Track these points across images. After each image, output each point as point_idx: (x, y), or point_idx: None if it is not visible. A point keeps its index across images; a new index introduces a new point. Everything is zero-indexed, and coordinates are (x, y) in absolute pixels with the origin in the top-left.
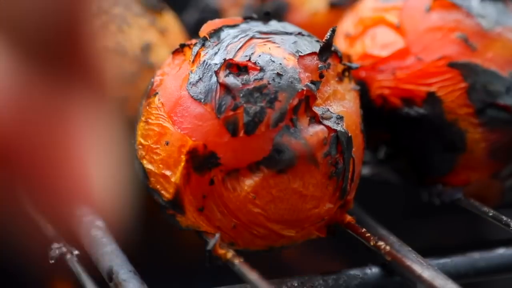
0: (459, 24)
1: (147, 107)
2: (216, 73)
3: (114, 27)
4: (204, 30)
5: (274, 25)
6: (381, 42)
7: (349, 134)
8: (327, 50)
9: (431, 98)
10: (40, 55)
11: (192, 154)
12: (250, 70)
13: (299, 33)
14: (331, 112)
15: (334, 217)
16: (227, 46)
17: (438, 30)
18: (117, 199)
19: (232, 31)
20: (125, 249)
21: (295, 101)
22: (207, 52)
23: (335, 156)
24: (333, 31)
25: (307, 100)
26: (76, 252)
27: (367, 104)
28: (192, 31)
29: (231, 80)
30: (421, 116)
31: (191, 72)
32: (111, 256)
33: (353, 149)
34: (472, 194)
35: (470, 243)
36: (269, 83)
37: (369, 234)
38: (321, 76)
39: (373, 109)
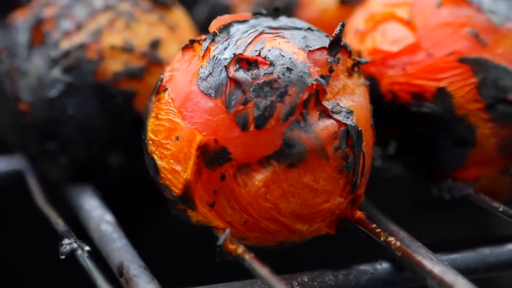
0: (470, 19)
1: (157, 103)
2: (226, 67)
3: (122, 24)
4: (214, 25)
5: (283, 20)
6: (392, 38)
7: (359, 128)
8: (336, 45)
9: (441, 93)
10: None
11: (203, 149)
12: (260, 65)
13: (309, 28)
14: (341, 107)
15: (344, 212)
16: (237, 41)
17: (448, 25)
18: None
19: (242, 26)
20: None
21: (305, 95)
22: (217, 47)
23: (346, 150)
24: (343, 25)
25: (317, 95)
26: (87, 248)
27: (377, 99)
28: (203, 27)
29: (241, 74)
30: (431, 111)
31: (201, 67)
32: (121, 252)
33: (363, 143)
34: (482, 189)
35: (480, 239)
36: (279, 78)
37: (379, 230)
38: (331, 70)
39: (383, 104)
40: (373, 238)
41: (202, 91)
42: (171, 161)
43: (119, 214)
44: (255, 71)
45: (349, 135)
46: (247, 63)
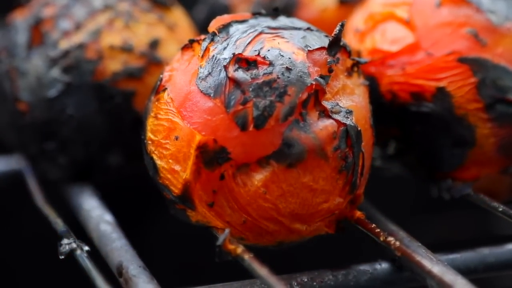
0: (469, 19)
1: (156, 103)
2: (225, 67)
3: (121, 24)
4: (213, 25)
5: (282, 20)
6: (391, 37)
7: (359, 128)
8: (336, 45)
9: (441, 93)
10: None
11: (202, 149)
12: (259, 65)
13: (308, 28)
14: (340, 107)
15: (344, 213)
16: (236, 41)
17: (448, 25)
18: None
19: (241, 26)
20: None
21: (305, 95)
22: (216, 47)
23: (345, 150)
24: (342, 25)
25: (316, 94)
26: (86, 248)
27: (377, 99)
28: (202, 27)
29: (241, 74)
30: (430, 111)
31: (200, 67)
32: (121, 252)
33: (363, 143)
34: (482, 189)
35: (480, 239)
36: (278, 78)
37: (378, 230)
38: (330, 70)
39: (383, 104)
40: (373, 238)
41: (201, 91)
42: (170, 161)
43: (118, 214)
44: (254, 71)
45: (349, 135)
46: (246, 63)
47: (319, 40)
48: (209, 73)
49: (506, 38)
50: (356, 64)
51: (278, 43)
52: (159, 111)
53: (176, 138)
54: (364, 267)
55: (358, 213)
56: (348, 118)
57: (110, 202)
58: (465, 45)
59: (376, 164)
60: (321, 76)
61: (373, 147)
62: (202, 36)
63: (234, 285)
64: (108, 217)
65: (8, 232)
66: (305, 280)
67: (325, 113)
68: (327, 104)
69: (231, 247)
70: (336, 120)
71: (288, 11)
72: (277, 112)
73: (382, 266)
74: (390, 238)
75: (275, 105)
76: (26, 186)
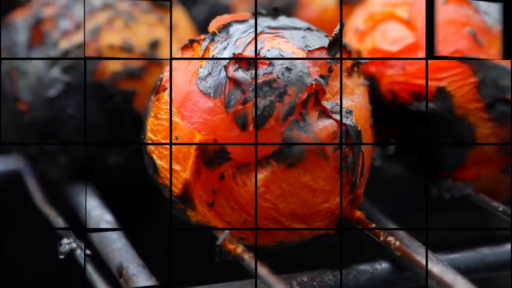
0: (469, 19)
1: (156, 102)
2: (225, 67)
3: (121, 23)
4: (213, 25)
5: (283, 20)
6: (391, 37)
7: (359, 128)
8: (335, 45)
9: (441, 93)
10: None
11: (202, 149)
12: (259, 65)
13: (308, 28)
14: None
15: (344, 212)
16: (236, 41)
17: (448, 25)
18: None
19: (241, 26)
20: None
21: (305, 95)
22: (216, 47)
23: (345, 150)
24: (342, 25)
25: (316, 94)
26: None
27: (377, 99)
28: (202, 27)
29: (240, 74)
30: (431, 110)
31: (200, 67)
32: (121, 252)
33: None
34: (482, 189)
35: (480, 238)
36: (278, 77)
37: (378, 230)
38: (330, 70)
39: (383, 104)
40: (373, 238)
41: (201, 91)
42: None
43: (118, 214)
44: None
45: (348, 135)
46: (246, 62)
47: (319, 40)
48: (209, 73)
49: (498, 41)
50: (356, 64)
51: (278, 43)
52: (159, 111)
53: (176, 138)
54: (364, 267)
55: (358, 213)
56: (348, 118)
57: (110, 202)
58: (466, 44)
59: (376, 164)
60: (321, 76)
61: (373, 147)
62: (202, 36)
63: (234, 285)
64: (108, 217)
65: (8, 232)
66: (305, 280)
67: (325, 113)
68: (327, 104)
69: (231, 247)
70: (336, 120)
71: (288, 11)
72: (277, 112)
73: (382, 266)
74: (390, 238)
75: (275, 105)
76: (26, 186)
